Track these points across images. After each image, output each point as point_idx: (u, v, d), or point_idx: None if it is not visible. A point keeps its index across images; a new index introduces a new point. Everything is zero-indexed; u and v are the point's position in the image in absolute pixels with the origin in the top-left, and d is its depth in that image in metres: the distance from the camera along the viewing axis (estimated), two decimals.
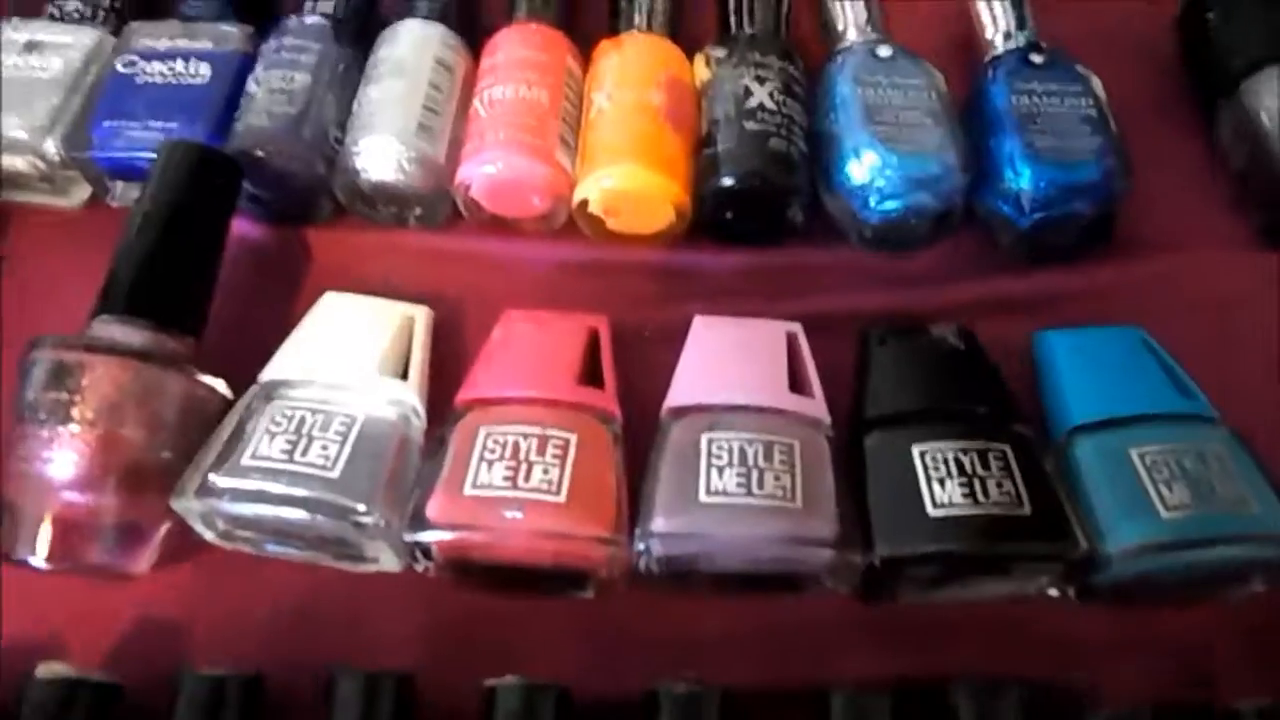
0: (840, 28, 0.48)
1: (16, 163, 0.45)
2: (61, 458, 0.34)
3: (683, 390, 0.39)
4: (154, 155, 0.40)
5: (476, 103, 0.44)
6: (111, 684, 0.33)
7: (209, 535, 0.37)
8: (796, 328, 0.40)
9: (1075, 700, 0.35)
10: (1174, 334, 0.41)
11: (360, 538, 0.35)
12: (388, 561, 0.37)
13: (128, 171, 0.44)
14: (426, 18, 0.46)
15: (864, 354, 0.41)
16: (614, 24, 0.48)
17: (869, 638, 0.37)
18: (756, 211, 0.43)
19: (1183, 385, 0.39)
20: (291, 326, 0.40)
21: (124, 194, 0.45)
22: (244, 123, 0.43)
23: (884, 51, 0.45)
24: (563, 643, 0.37)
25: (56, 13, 0.48)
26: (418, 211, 0.45)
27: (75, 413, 0.34)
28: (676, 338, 0.41)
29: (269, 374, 0.38)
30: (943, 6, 0.51)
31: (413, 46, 0.45)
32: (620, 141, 0.42)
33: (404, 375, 0.39)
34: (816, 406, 0.38)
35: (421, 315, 0.41)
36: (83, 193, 0.46)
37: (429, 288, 0.43)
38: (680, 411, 0.38)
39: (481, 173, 0.42)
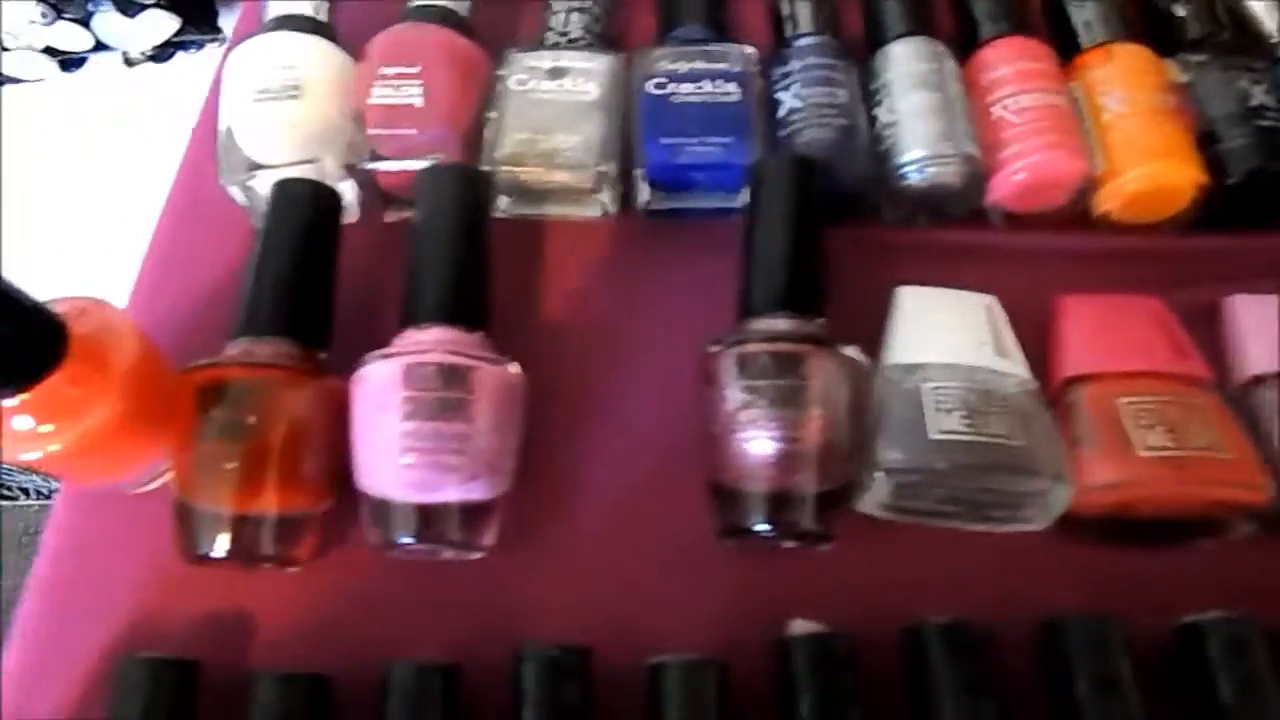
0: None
1: (567, 178, 0.48)
2: (796, 438, 0.38)
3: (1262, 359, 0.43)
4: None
5: (1000, 111, 0.48)
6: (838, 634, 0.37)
7: (871, 509, 0.41)
8: None
9: None
10: None
11: (1047, 499, 0.39)
12: (1038, 521, 0.40)
13: (676, 183, 0.48)
14: (908, 35, 0.51)
15: None
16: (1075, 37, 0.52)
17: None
18: (1262, 200, 0.48)
19: None
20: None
21: (652, 201, 0.49)
22: (808, 135, 0.47)
23: None
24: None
25: (561, 40, 0.52)
26: (950, 208, 0.49)
27: (805, 398, 0.38)
28: (1198, 318, 0.45)
29: (895, 358, 0.42)
30: None
31: (930, 60, 0.49)
32: (1150, 141, 0.47)
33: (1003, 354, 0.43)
34: None
35: (994, 302, 0.45)
36: (603, 204, 0.50)
37: (959, 279, 0.47)
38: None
39: (1020, 178, 0.47)
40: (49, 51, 0.83)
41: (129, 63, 0.85)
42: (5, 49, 0.83)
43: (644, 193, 0.49)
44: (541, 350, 0.44)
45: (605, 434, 0.44)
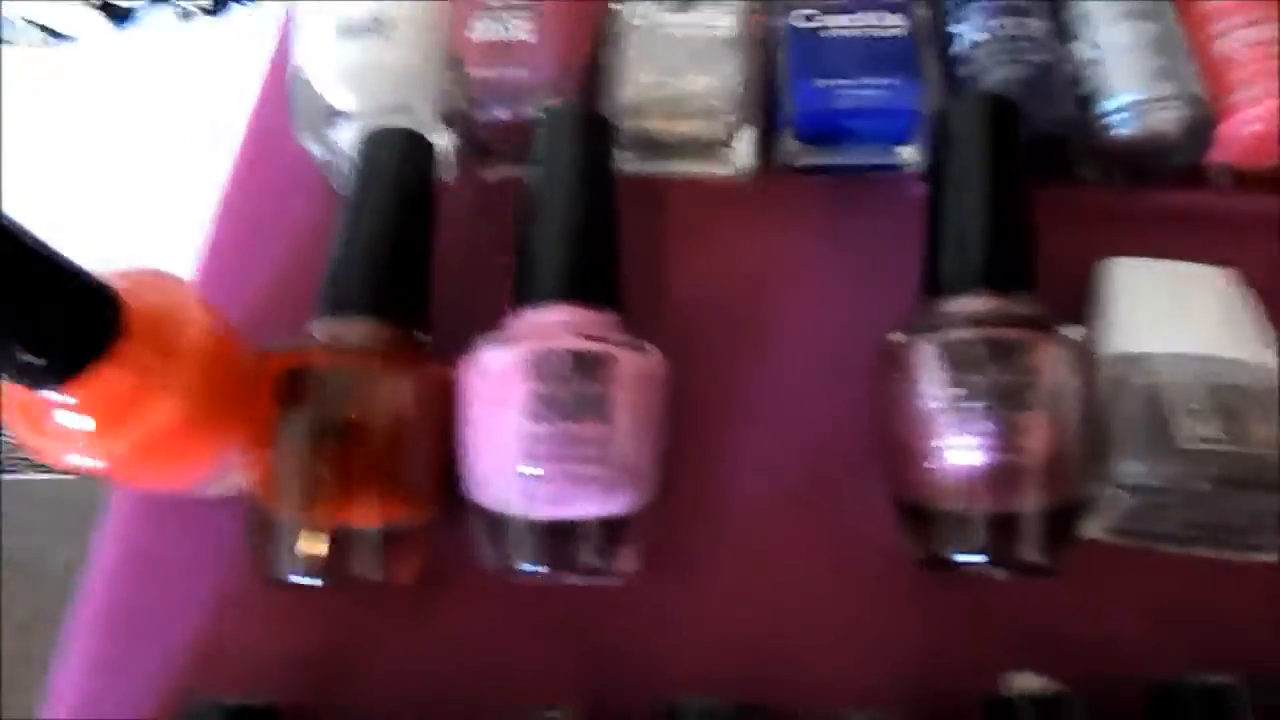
0: None
1: (702, 127, 0.41)
2: (1019, 447, 0.30)
3: None
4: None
5: (1225, 46, 0.40)
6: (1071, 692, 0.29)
7: (1094, 531, 0.33)
8: None
9: None
10: None
11: None
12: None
13: (830, 134, 0.40)
14: None
15: None
16: None
17: None
18: None
19: None
20: None
21: (798, 156, 0.41)
22: (999, 74, 0.39)
23: None
24: None
25: None
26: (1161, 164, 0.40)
27: (1031, 396, 0.30)
28: None
29: (1114, 347, 0.34)
30: None
31: None
32: None
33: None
34: None
35: (1234, 276, 0.37)
36: (739, 159, 0.42)
37: (1176, 251, 0.39)
38: None
39: (1256, 127, 0.38)
40: (103, 7, 0.77)
41: (185, 15, 0.79)
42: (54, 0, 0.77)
43: (789, 146, 0.41)
44: (673, 335, 0.35)
45: (755, 434, 0.37)
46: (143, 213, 0.55)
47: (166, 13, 0.79)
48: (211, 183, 0.49)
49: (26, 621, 1.19)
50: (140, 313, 0.30)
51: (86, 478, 0.32)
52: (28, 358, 0.28)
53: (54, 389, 0.29)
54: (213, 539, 0.36)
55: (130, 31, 0.81)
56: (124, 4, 0.78)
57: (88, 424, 0.29)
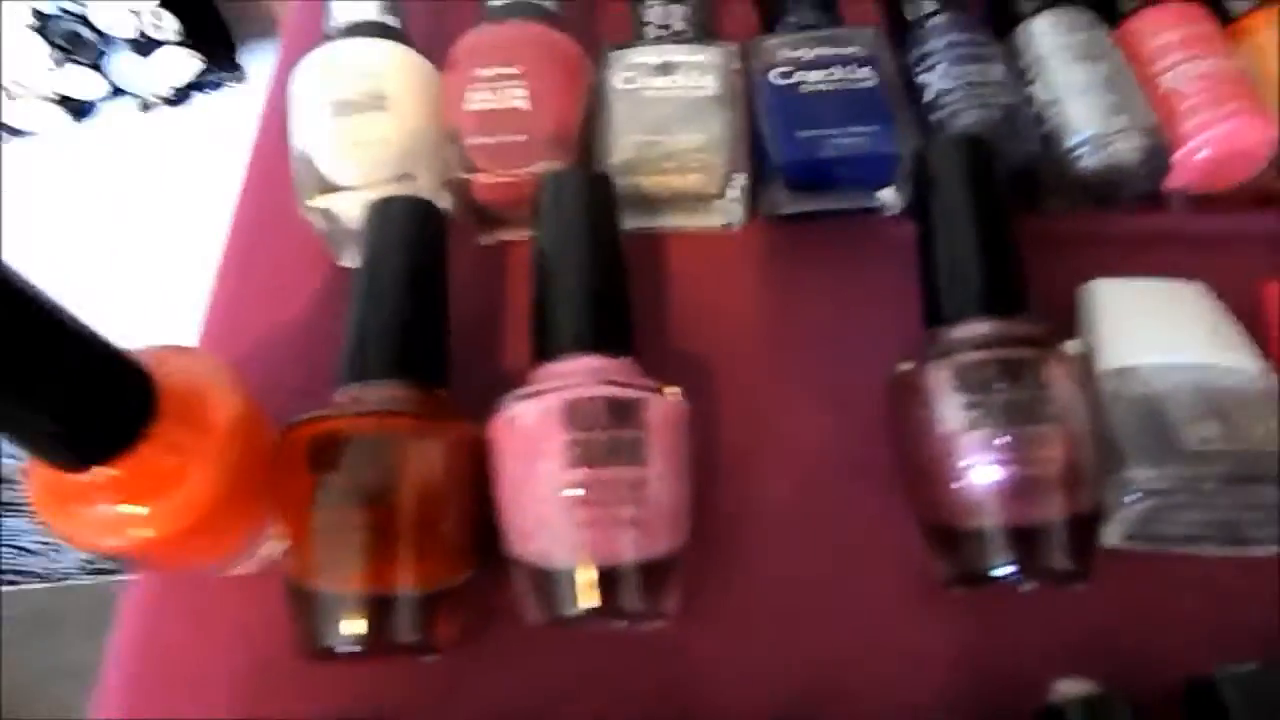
0: None
1: (695, 182, 0.42)
2: (1038, 459, 0.31)
3: None
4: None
5: (1171, 82, 0.43)
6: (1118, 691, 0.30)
7: (1112, 539, 0.34)
8: None
9: None
10: None
11: None
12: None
13: (815, 181, 0.42)
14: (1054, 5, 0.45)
15: None
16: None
17: None
18: None
19: None
20: None
21: (784, 204, 0.43)
22: (969, 117, 0.41)
23: None
24: None
25: (664, 34, 0.46)
26: (1122, 193, 0.43)
27: (1045, 410, 0.32)
28: None
29: (1106, 363, 0.36)
30: None
31: (1085, 28, 0.44)
32: None
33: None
34: None
35: (1205, 289, 0.39)
36: (730, 210, 0.44)
37: (1143, 270, 0.41)
38: None
39: (1206, 153, 0.41)
40: (61, 100, 0.77)
41: (145, 107, 0.79)
42: (10, 97, 0.77)
43: (776, 195, 0.43)
44: (682, 381, 0.35)
45: (775, 473, 0.38)
46: (128, 290, 0.55)
47: (128, 105, 0.79)
48: (193, 258, 0.50)
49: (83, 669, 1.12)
50: (172, 390, 0.30)
51: None
52: (64, 440, 0.28)
53: (88, 471, 0.29)
54: (232, 618, 0.35)
55: (89, 126, 0.81)
56: (83, 98, 0.78)
57: (123, 506, 0.29)
